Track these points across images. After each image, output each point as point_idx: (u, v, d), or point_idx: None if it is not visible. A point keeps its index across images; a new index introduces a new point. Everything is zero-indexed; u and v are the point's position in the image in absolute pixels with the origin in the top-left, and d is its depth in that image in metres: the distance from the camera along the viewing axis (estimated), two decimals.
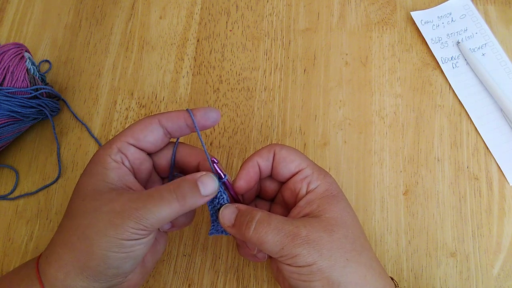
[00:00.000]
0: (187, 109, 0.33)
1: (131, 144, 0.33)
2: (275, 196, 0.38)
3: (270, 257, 0.36)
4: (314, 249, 0.30)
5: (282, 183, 0.37)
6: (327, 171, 0.37)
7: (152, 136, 0.33)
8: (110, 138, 0.47)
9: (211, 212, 0.34)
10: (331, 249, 0.30)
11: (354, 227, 0.33)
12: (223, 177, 0.33)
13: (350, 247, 0.31)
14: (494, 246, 0.42)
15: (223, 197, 0.33)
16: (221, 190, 0.33)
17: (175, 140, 0.36)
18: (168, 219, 0.30)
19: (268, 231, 0.31)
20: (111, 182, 0.31)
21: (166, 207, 0.29)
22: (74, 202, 0.31)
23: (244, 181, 0.34)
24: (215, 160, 0.33)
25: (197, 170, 0.35)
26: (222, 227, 0.34)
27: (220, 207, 0.34)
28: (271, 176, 0.36)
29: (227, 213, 0.33)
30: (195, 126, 0.32)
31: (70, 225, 0.31)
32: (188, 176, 0.31)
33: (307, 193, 0.34)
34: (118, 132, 0.47)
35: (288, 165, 0.34)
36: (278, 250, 0.30)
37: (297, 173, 0.34)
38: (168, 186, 0.30)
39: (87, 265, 0.29)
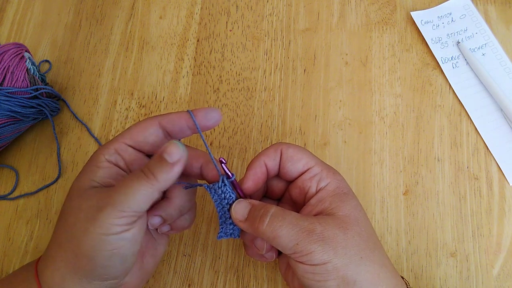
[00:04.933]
0: (188, 110, 0.32)
1: (129, 145, 0.32)
2: (283, 195, 0.38)
3: (279, 254, 0.36)
4: (329, 246, 0.30)
5: (290, 182, 0.36)
6: None
7: (152, 138, 0.32)
8: (110, 138, 0.47)
9: (220, 213, 0.34)
10: (346, 247, 0.30)
11: (366, 225, 0.33)
12: (231, 176, 0.33)
13: (364, 245, 0.31)
14: (494, 246, 0.42)
15: (232, 197, 0.33)
16: (229, 190, 0.33)
17: None
18: (145, 200, 0.29)
19: (283, 225, 0.30)
20: (96, 180, 0.31)
21: (137, 186, 0.28)
22: (64, 202, 0.32)
23: (252, 182, 0.34)
24: (223, 160, 0.33)
25: (200, 172, 0.34)
26: (231, 230, 0.34)
27: (229, 207, 0.33)
28: (278, 175, 0.36)
29: (240, 208, 0.33)
30: (197, 128, 0.32)
31: (59, 226, 0.31)
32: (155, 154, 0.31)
33: (317, 191, 0.34)
34: (118, 132, 0.48)
35: (296, 164, 0.34)
36: (292, 246, 0.30)
37: (305, 171, 0.34)
38: (138, 167, 0.30)
39: (77, 265, 0.29)
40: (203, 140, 0.32)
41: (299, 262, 0.30)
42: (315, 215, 0.33)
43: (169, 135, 0.33)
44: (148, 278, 0.35)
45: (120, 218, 0.28)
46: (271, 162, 0.34)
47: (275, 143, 0.35)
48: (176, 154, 0.29)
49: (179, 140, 0.33)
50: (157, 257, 0.35)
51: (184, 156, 0.29)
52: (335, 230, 0.30)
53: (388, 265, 0.32)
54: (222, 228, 0.34)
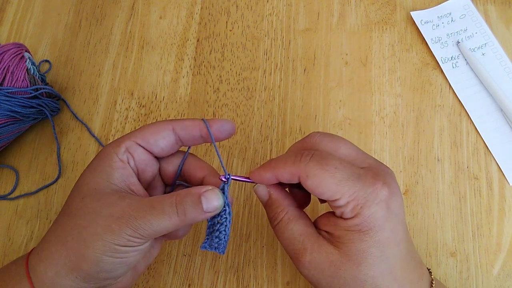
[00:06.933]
0: (202, 119, 0.32)
1: (140, 145, 0.32)
2: None
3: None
4: (312, 282, 0.31)
5: None
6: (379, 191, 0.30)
7: (163, 141, 0.32)
8: (110, 138, 0.47)
9: (209, 224, 0.33)
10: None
11: (369, 268, 0.30)
12: (228, 177, 0.32)
13: None
14: (494, 246, 0.42)
15: (226, 218, 0.32)
16: (226, 200, 0.32)
17: (185, 148, 0.35)
18: (166, 231, 0.30)
19: (283, 234, 0.32)
20: (114, 183, 0.31)
21: (165, 221, 0.29)
22: (74, 199, 0.31)
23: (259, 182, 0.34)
24: (225, 178, 0.32)
25: (201, 183, 0.34)
26: (216, 244, 0.33)
27: (220, 226, 0.32)
28: None
29: (261, 194, 0.34)
30: (212, 140, 0.32)
31: (66, 224, 0.30)
32: (194, 189, 0.30)
33: (337, 217, 0.31)
34: (118, 132, 0.48)
35: (319, 195, 0.31)
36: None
37: (328, 200, 0.31)
38: (170, 198, 0.30)
39: (79, 266, 0.29)
40: (217, 151, 0.33)
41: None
42: (326, 231, 0.32)
43: (180, 141, 0.33)
44: (138, 278, 0.35)
45: (138, 239, 0.29)
46: (285, 180, 0.32)
47: (292, 163, 0.31)
48: (214, 206, 0.30)
49: (189, 147, 0.34)
50: (150, 259, 0.35)
51: (220, 207, 0.31)
52: (324, 266, 0.30)
53: None
54: (207, 239, 0.33)
